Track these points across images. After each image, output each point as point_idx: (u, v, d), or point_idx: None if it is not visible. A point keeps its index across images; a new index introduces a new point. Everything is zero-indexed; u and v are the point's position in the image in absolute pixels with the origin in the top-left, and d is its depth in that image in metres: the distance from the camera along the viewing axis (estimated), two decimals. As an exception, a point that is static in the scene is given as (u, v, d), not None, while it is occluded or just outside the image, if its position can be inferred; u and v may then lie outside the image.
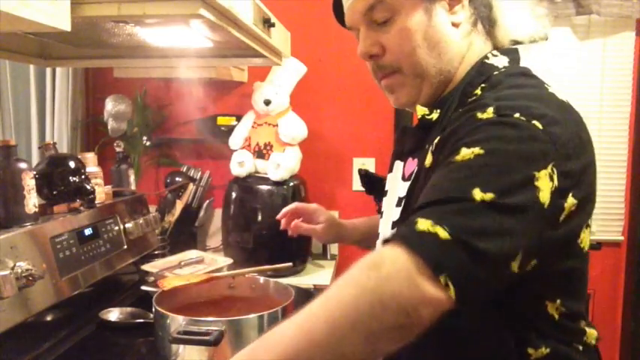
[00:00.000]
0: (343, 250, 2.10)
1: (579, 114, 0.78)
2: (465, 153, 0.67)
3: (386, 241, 0.65)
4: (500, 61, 0.85)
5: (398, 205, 0.89)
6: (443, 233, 0.61)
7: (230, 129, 1.98)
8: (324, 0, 2.09)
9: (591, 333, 0.82)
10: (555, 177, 0.67)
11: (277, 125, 1.87)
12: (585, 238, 0.80)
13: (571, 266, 0.79)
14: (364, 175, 1.27)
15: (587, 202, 0.74)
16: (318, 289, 1.71)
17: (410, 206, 0.82)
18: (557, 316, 0.77)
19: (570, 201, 0.70)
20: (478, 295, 0.64)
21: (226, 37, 1.23)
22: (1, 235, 1.08)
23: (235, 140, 1.92)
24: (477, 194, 0.63)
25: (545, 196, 0.66)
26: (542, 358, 0.76)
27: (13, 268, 1.04)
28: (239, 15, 1.11)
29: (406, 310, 0.60)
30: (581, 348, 0.80)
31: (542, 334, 0.77)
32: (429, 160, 0.78)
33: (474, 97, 0.80)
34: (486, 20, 0.86)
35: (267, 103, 1.85)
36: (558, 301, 0.77)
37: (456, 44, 0.84)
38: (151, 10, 0.96)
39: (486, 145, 0.67)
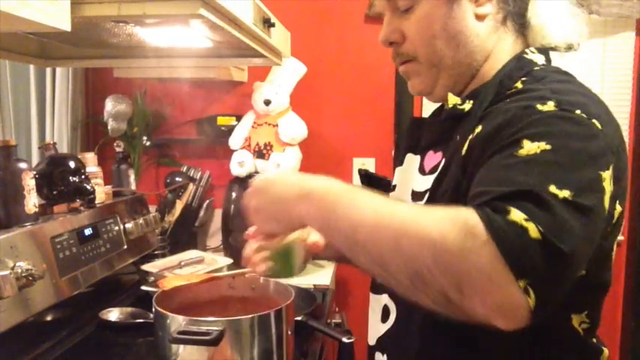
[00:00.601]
0: (343, 250, 2.10)
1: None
2: (530, 147, 0.63)
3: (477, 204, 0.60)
4: (539, 59, 0.82)
5: (414, 198, 0.87)
6: (534, 232, 0.56)
7: (230, 129, 1.98)
8: (324, 0, 2.10)
9: (605, 353, 0.80)
10: (612, 180, 0.65)
11: (277, 125, 1.87)
12: (614, 252, 0.77)
13: (605, 279, 0.77)
14: (364, 175, 1.26)
15: (623, 213, 0.72)
16: (318, 289, 1.71)
17: (435, 200, 0.78)
18: (581, 332, 0.75)
19: (618, 209, 0.68)
20: (553, 304, 0.59)
21: (226, 37, 1.23)
22: (1, 235, 1.08)
23: (235, 140, 1.92)
24: (555, 191, 0.59)
25: (607, 201, 0.64)
26: None
27: (13, 268, 1.04)
28: (239, 15, 1.11)
29: (461, 290, 0.57)
30: None
31: (564, 348, 0.75)
32: (465, 148, 0.74)
33: (514, 90, 0.76)
34: (517, 17, 0.83)
35: (267, 103, 1.85)
36: (584, 313, 0.75)
37: (479, 38, 0.81)
38: (151, 10, 0.96)
39: (552, 141, 0.63)
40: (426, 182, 0.85)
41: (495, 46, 0.82)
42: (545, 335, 0.71)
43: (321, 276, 1.86)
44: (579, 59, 2.09)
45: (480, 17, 0.81)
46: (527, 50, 0.82)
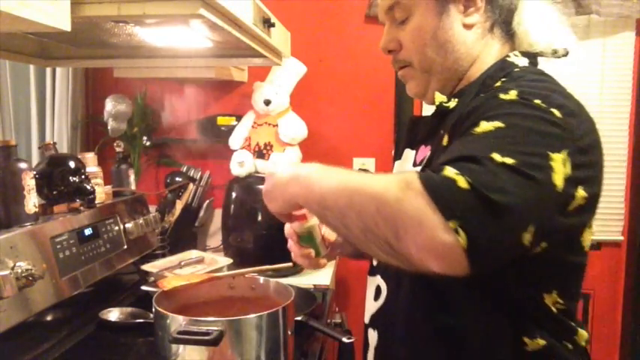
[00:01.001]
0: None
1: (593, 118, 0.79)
2: (485, 126, 0.70)
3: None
4: (521, 61, 0.88)
5: None
6: (463, 183, 0.62)
7: (230, 129, 1.98)
8: (324, 0, 2.10)
9: (582, 334, 0.84)
10: (569, 165, 0.68)
11: (277, 125, 1.87)
12: (587, 238, 0.81)
13: (571, 261, 0.81)
14: (364, 175, 1.27)
15: (594, 201, 0.75)
16: (318, 289, 1.71)
17: None
18: (554, 310, 0.80)
19: (581, 193, 0.71)
20: (489, 254, 0.63)
21: (226, 37, 1.23)
22: (1, 235, 1.08)
23: (235, 140, 1.92)
24: (497, 157, 0.64)
25: (558, 179, 0.67)
26: (537, 349, 0.78)
27: (13, 268, 1.04)
28: (239, 15, 1.11)
29: (398, 236, 0.64)
30: (570, 346, 0.82)
31: (539, 325, 0.79)
32: (445, 140, 0.81)
33: (495, 89, 0.82)
34: (504, 25, 0.90)
35: (267, 103, 1.85)
36: (554, 293, 0.79)
37: (465, 45, 0.89)
38: (151, 10, 0.96)
39: (506, 120, 0.69)
40: None
41: (482, 52, 0.90)
42: (521, 315, 0.77)
43: (321, 276, 1.86)
44: (579, 59, 2.10)
45: (467, 26, 0.89)
46: (510, 54, 0.89)
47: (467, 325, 0.80)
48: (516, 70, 0.86)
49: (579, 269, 0.84)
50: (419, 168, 0.91)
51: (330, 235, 1.04)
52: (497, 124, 0.69)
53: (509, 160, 0.64)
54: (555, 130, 0.70)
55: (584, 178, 0.71)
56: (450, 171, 0.63)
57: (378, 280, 0.96)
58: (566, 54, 0.91)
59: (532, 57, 0.90)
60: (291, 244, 1.01)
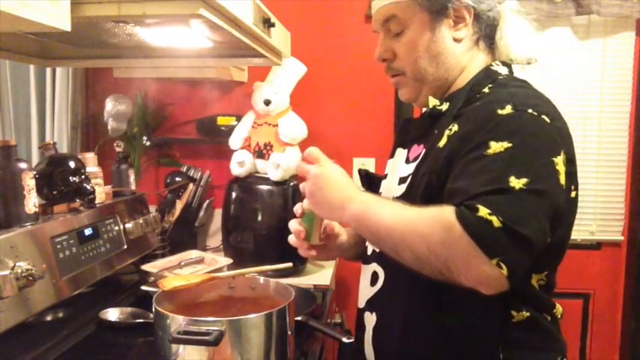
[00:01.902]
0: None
1: None
2: (496, 147, 0.82)
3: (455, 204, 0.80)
4: (502, 70, 1.02)
5: (400, 183, 1.03)
6: (496, 222, 0.75)
7: (230, 129, 1.98)
8: (324, 0, 2.10)
9: (558, 308, 0.98)
10: (565, 163, 0.85)
11: (277, 125, 1.87)
12: (571, 208, 0.94)
13: (560, 236, 0.91)
14: (364, 175, 1.27)
15: (577, 189, 0.93)
16: (318, 289, 1.71)
17: (415, 182, 0.97)
18: (537, 287, 0.93)
19: (576, 182, 0.90)
20: (522, 271, 0.79)
21: (226, 37, 1.23)
22: (1, 235, 1.08)
23: (235, 140, 1.92)
24: (514, 182, 0.78)
25: (563, 178, 0.84)
26: (522, 320, 0.92)
27: (13, 268, 1.04)
28: (239, 15, 1.11)
29: (450, 270, 0.79)
30: (549, 318, 0.96)
31: (524, 301, 0.92)
32: (443, 141, 0.92)
33: (483, 94, 0.96)
34: (488, 39, 1.02)
35: (267, 103, 1.85)
36: (545, 273, 0.93)
37: (455, 57, 1.01)
38: (151, 10, 0.96)
39: (512, 139, 0.82)
40: (409, 169, 1.02)
41: (469, 62, 1.02)
42: (511, 292, 0.84)
43: (321, 276, 1.86)
44: (579, 59, 2.10)
45: (457, 40, 1.00)
46: (493, 63, 1.02)
47: (461, 300, 0.89)
48: (500, 77, 0.99)
49: (564, 242, 0.95)
50: (412, 165, 1.01)
51: (339, 231, 1.15)
52: (506, 144, 0.82)
53: (523, 181, 0.78)
54: (550, 136, 0.85)
55: (575, 168, 0.90)
56: (483, 211, 0.76)
57: (374, 267, 1.05)
58: (535, 62, 1.05)
59: (509, 66, 1.03)
60: (293, 221, 1.10)
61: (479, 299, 0.82)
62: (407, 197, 0.97)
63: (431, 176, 0.92)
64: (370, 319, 1.04)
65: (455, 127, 0.92)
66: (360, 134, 2.14)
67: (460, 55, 1.01)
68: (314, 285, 1.75)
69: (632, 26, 2.08)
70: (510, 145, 0.82)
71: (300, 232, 1.07)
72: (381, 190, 1.12)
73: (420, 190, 0.93)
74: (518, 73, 1.04)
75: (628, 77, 2.12)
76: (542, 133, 0.85)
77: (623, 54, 2.11)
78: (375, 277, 1.04)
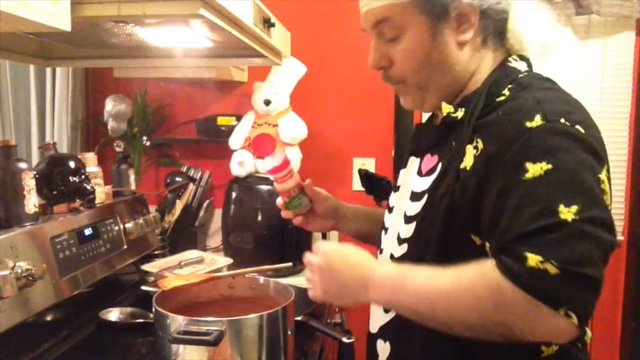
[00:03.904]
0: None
1: None
2: (534, 170, 0.72)
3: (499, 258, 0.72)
4: (521, 66, 0.89)
5: (413, 199, 0.93)
6: (552, 269, 0.67)
7: (230, 129, 1.98)
8: (324, 0, 2.10)
9: (588, 333, 0.87)
10: (607, 175, 0.76)
11: (277, 125, 1.87)
12: None
13: None
14: (364, 176, 1.27)
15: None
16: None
17: (434, 202, 0.86)
18: None
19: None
20: (593, 310, 0.71)
21: (226, 37, 1.23)
22: (1, 235, 1.08)
23: (235, 140, 1.92)
24: (564, 213, 0.69)
25: (608, 197, 0.75)
26: (551, 354, 0.81)
27: (13, 268, 1.04)
28: (239, 15, 1.11)
29: (513, 331, 0.71)
30: (580, 346, 0.86)
31: None
32: (468, 162, 0.81)
33: (504, 97, 0.83)
34: (496, 35, 0.89)
35: (267, 103, 1.85)
36: None
37: (462, 64, 0.88)
38: (150, 10, 0.96)
39: (551, 159, 0.72)
40: (422, 184, 0.92)
41: (479, 64, 0.89)
42: None
43: (321, 276, 1.85)
44: (579, 59, 2.10)
45: (461, 44, 0.87)
46: (510, 59, 0.90)
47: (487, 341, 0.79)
48: (521, 75, 0.86)
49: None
50: (427, 179, 0.91)
51: (326, 196, 1.12)
52: (544, 165, 0.72)
53: (574, 209, 0.69)
54: (591, 149, 0.74)
55: (608, 178, 0.78)
56: (534, 260, 0.67)
57: None
58: (554, 51, 0.93)
59: (527, 59, 0.91)
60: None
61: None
62: (423, 219, 0.88)
63: (453, 198, 0.82)
64: (384, 348, 0.96)
65: (480, 145, 0.80)
66: (360, 134, 2.14)
67: (467, 60, 0.88)
68: (314, 285, 1.74)
69: (632, 26, 2.08)
70: (550, 166, 0.71)
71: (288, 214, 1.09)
72: (392, 205, 1.02)
73: (441, 212, 0.83)
74: (538, 67, 0.92)
75: (628, 77, 2.12)
76: (580, 148, 0.74)
77: (623, 54, 2.11)
78: None
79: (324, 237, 2.06)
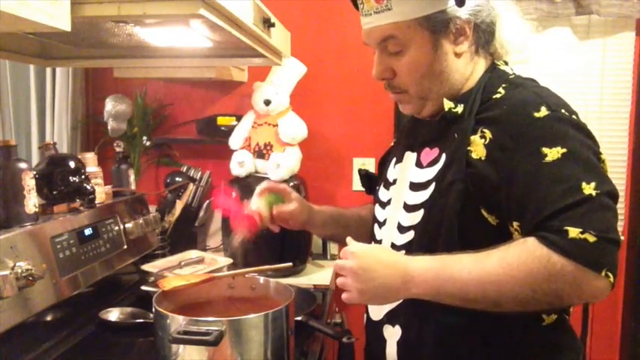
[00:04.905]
0: (343, 250, 2.10)
1: None
2: (552, 154, 0.84)
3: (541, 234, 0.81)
4: (508, 69, 1.02)
5: (414, 189, 1.00)
6: (591, 238, 0.78)
7: (230, 129, 1.98)
8: (324, 0, 2.10)
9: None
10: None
11: (277, 125, 1.87)
12: None
13: None
14: (364, 176, 1.27)
15: None
16: (318, 289, 1.71)
17: (442, 189, 0.94)
18: None
19: None
20: None
21: (226, 37, 1.23)
22: (1, 235, 1.08)
23: (235, 140, 1.92)
24: (587, 189, 0.80)
25: (606, 166, 0.88)
26: (551, 323, 0.93)
27: (13, 268, 1.04)
28: (239, 15, 1.11)
29: (562, 299, 0.82)
30: (567, 317, 0.98)
31: None
32: (479, 152, 0.90)
33: (499, 95, 0.95)
34: (486, 44, 1.01)
35: (267, 103, 1.85)
36: None
37: (459, 72, 0.99)
38: (151, 10, 0.96)
39: (565, 143, 0.84)
40: (425, 174, 0.99)
41: (473, 70, 1.01)
42: None
43: (321, 276, 1.86)
44: (579, 59, 2.10)
45: (458, 55, 0.98)
46: (497, 63, 1.03)
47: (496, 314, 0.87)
48: (511, 77, 0.99)
49: None
50: (430, 169, 0.98)
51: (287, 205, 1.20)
52: (560, 149, 0.83)
53: (593, 185, 0.80)
54: (589, 135, 0.88)
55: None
56: (574, 232, 0.78)
57: None
58: (529, 59, 1.06)
59: (509, 65, 1.04)
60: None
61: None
62: (432, 206, 0.95)
63: (465, 184, 0.90)
64: (393, 333, 1.00)
65: (488, 134, 0.90)
66: (360, 134, 2.14)
67: (463, 68, 0.99)
68: (314, 285, 1.75)
69: (632, 26, 2.08)
70: (565, 150, 0.83)
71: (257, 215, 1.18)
72: (390, 197, 1.07)
73: (452, 198, 0.91)
74: (528, 69, 1.04)
75: (628, 77, 2.12)
76: (582, 134, 0.87)
77: (623, 54, 2.11)
78: None
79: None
